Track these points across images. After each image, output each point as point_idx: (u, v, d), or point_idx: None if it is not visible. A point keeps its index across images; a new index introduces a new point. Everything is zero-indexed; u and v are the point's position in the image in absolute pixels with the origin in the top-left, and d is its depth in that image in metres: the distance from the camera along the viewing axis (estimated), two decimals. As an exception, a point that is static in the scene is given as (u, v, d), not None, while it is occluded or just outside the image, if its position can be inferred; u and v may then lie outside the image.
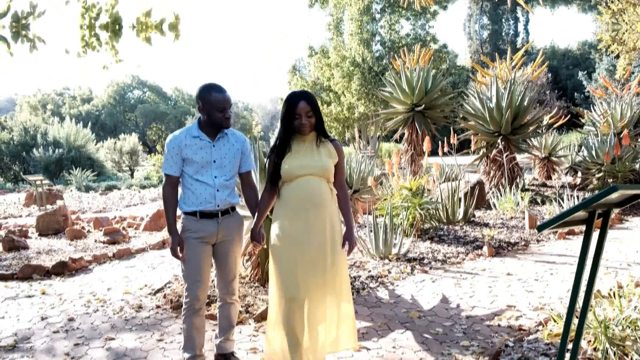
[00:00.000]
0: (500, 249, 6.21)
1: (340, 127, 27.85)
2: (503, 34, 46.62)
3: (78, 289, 5.24)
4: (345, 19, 27.89)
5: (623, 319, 3.32)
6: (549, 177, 13.00)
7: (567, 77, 39.89)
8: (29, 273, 5.85)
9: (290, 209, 2.83)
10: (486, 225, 7.72)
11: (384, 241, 5.71)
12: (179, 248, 3.02)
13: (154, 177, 22.70)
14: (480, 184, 9.71)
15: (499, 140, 10.19)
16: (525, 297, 4.37)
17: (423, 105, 11.26)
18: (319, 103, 27.03)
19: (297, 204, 2.81)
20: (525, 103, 10.02)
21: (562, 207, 8.05)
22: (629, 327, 3.22)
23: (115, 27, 3.71)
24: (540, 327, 3.58)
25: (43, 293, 5.14)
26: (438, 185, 8.50)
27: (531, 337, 3.43)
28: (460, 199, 7.98)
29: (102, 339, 3.83)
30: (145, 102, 57.36)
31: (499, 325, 3.76)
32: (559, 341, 3.35)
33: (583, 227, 2.25)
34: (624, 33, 10.66)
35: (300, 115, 2.79)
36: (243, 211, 3.76)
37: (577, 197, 8.33)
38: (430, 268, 5.43)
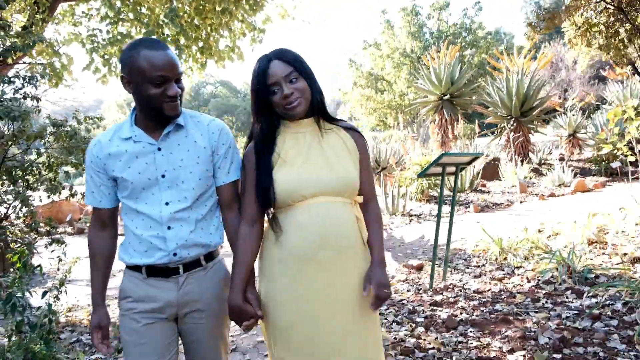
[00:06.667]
0: (486, 207, 7.96)
1: (394, 113, 29.53)
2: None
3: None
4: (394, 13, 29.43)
5: (523, 239, 5.13)
6: (573, 153, 14.18)
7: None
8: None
9: (293, 260, 1.63)
10: (488, 192, 9.41)
11: (392, 203, 7.67)
12: (97, 334, 1.74)
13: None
14: (495, 160, 11.32)
15: (511, 122, 11.68)
16: (478, 234, 6.18)
17: (448, 95, 12.91)
18: (374, 92, 27.63)
19: (304, 251, 1.61)
20: (532, 90, 11.42)
21: (553, 175, 9.58)
22: (522, 244, 5.02)
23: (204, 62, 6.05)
24: (474, 247, 5.42)
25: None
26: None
27: (462, 252, 5.31)
28: (466, 171, 9.70)
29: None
30: (217, 97, 61.40)
31: (448, 248, 5.64)
32: (479, 252, 5.22)
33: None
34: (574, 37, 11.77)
35: (279, 84, 1.61)
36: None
37: (570, 166, 9.82)
38: (424, 220, 7.33)
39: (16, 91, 3.63)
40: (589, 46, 10.39)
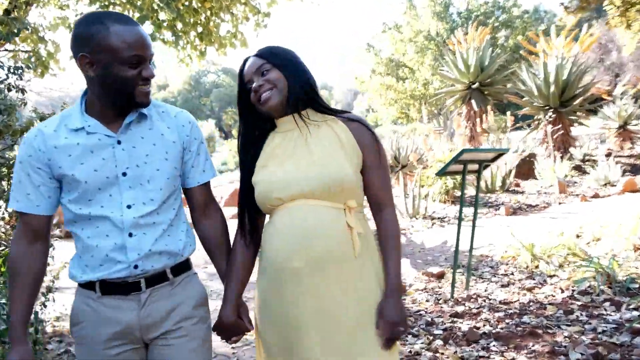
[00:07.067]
0: (519, 210, 7.95)
1: (417, 104, 29.44)
2: (607, -12, 45.13)
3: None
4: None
5: (558, 245, 5.13)
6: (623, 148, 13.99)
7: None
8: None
9: (271, 270, 1.62)
10: (522, 192, 9.38)
11: (412, 205, 7.71)
12: None
13: (230, 162, 25.78)
14: (531, 156, 11.27)
15: (549, 113, 11.62)
16: (506, 239, 6.17)
17: (478, 83, 12.87)
18: (394, 80, 27.27)
19: (281, 259, 1.58)
20: (574, 76, 11.33)
21: (597, 173, 9.52)
22: (556, 250, 5.03)
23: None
24: (502, 254, 5.44)
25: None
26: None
27: (489, 259, 5.33)
28: (497, 169, 9.68)
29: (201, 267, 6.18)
30: (220, 86, 61.77)
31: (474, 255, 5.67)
32: (507, 259, 5.24)
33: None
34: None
35: (252, 80, 1.64)
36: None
37: (618, 163, 9.74)
38: (448, 223, 7.36)
39: (0, 82, 3.72)
40: (628, 28, 10.24)
